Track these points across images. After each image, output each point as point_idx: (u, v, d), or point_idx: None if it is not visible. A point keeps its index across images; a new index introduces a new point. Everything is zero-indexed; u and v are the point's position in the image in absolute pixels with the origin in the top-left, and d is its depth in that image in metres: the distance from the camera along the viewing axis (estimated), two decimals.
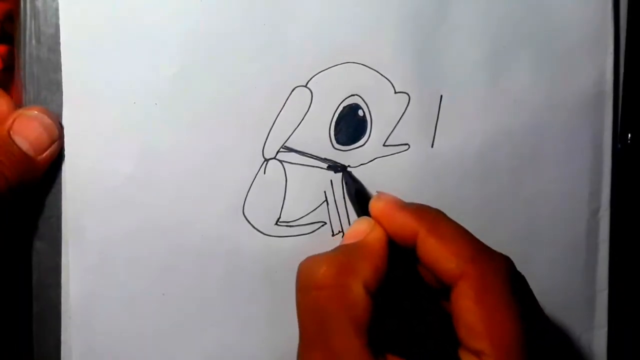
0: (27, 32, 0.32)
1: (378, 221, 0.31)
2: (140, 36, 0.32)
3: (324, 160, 0.36)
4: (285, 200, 0.35)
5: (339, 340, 0.27)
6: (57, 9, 0.31)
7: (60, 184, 0.33)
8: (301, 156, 0.35)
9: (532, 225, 0.40)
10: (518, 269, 0.36)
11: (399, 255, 0.31)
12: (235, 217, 0.35)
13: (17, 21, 0.32)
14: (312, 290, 0.28)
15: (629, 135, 0.42)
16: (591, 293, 0.41)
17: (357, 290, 0.28)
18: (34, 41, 0.32)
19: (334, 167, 0.36)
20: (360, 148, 0.36)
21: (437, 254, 0.29)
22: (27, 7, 0.32)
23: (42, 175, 0.32)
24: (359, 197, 0.34)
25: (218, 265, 0.35)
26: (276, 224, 0.35)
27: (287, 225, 0.35)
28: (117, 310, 0.34)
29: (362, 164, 0.36)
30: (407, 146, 0.37)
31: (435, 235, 0.29)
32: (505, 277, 0.28)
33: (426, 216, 0.30)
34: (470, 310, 0.27)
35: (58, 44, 0.32)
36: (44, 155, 0.32)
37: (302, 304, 0.29)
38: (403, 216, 0.30)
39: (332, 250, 0.30)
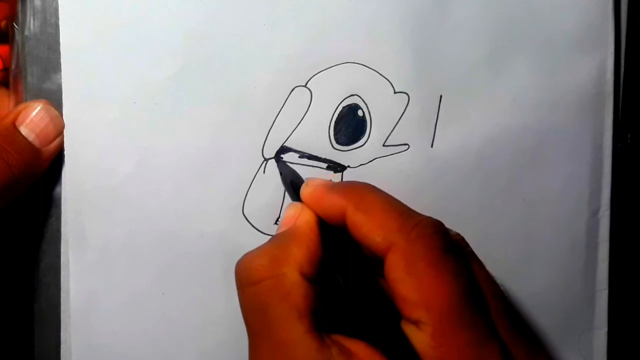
0: (27, 32, 0.32)
1: (308, 206, 0.31)
2: (140, 36, 0.32)
3: (324, 160, 0.36)
4: (285, 200, 0.35)
5: (281, 329, 0.26)
6: (57, 9, 0.31)
7: (60, 184, 0.33)
8: (301, 156, 0.35)
9: (532, 225, 0.40)
10: (518, 268, 0.36)
11: (338, 235, 0.30)
12: (235, 216, 0.35)
13: (17, 21, 0.32)
14: (249, 286, 0.28)
15: (629, 135, 0.42)
16: (591, 293, 0.41)
17: (293, 277, 0.27)
18: (33, 41, 0.32)
19: (334, 167, 0.36)
20: (360, 148, 0.36)
21: (365, 228, 0.28)
22: (27, 7, 0.32)
23: (46, 167, 0.32)
24: (295, 186, 0.33)
25: (218, 265, 0.35)
26: (276, 223, 0.35)
27: None
28: (117, 309, 0.34)
29: (361, 164, 0.36)
30: (406, 146, 0.37)
31: (362, 209, 0.28)
32: (433, 241, 0.27)
33: (353, 192, 0.29)
34: (402, 280, 0.26)
35: (58, 44, 0.32)
36: (50, 146, 0.32)
37: (242, 301, 0.28)
38: (331, 196, 0.30)
39: (264, 243, 0.30)
